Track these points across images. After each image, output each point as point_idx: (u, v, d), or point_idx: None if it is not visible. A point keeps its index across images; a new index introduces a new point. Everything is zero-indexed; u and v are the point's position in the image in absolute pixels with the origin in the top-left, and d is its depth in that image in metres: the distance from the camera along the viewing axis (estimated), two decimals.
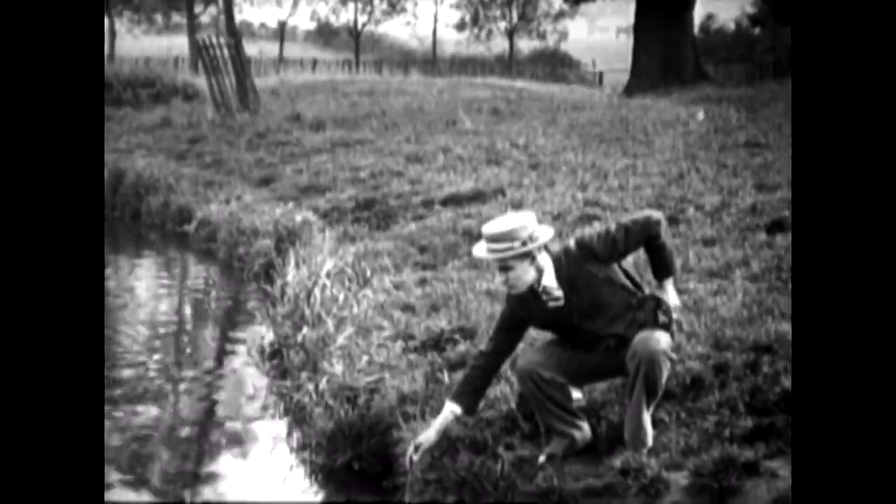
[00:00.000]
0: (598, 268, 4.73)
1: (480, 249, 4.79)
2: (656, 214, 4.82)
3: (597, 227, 5.21)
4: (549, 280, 4.74)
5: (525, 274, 4.73)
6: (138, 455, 6.11)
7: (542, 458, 4.86)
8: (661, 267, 4.83)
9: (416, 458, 4.89)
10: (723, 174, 10.65)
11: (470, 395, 4.93)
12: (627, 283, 4.83)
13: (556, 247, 4.84)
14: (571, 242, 4.83)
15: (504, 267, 4.72)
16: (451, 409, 4.91)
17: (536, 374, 4.79)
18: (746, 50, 34.89)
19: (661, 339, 4.67)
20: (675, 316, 4.85)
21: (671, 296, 4.82)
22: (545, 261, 4.75)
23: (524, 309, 4.85)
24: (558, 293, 4.75)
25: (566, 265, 4.76)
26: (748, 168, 10.87)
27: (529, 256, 4.70)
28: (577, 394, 5.01)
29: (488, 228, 4.73)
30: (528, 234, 4.69)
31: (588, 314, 4.76)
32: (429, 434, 4.91)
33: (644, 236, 4.72)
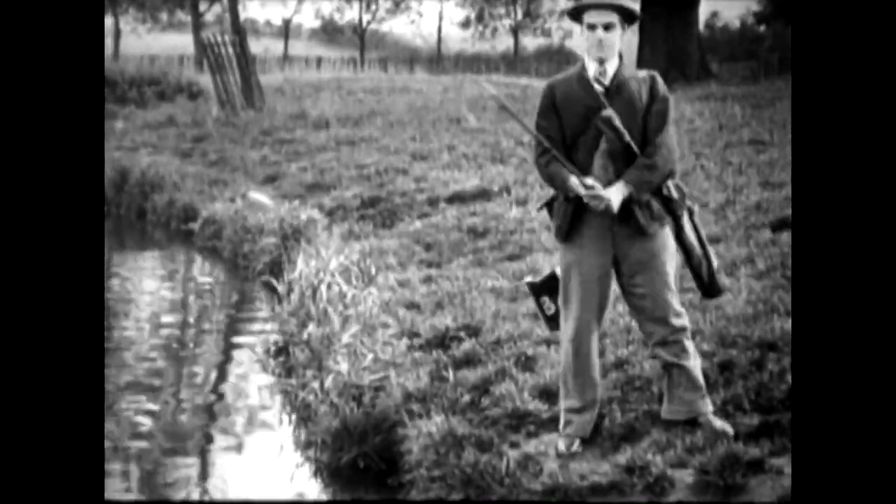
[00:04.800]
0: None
1: None
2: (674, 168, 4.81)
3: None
4: (615, 68, 4.74)
5: (616, 43, 4.72)
6: (139, 452, 6.11)
7: (560, 446, 4.91)
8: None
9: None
10: (728, 171, 10.65)
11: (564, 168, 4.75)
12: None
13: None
14: (657, 75, 4.86)
15: (609, 25, 4.67)
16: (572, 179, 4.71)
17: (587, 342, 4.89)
18: (751, 47, 34.86)
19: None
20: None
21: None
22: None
23: (563, 95, 4.74)
24: (620, 79, 4.73)
25: (640, 77, 4.80)
26: (753, 165, 10.86)
27: (627, 27, 4.72)
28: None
29: None
30: (635, 8, 4.76)
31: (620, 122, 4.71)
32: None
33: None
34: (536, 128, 4.84)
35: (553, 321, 5.16)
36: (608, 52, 4.72)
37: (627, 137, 4.68)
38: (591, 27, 4.70)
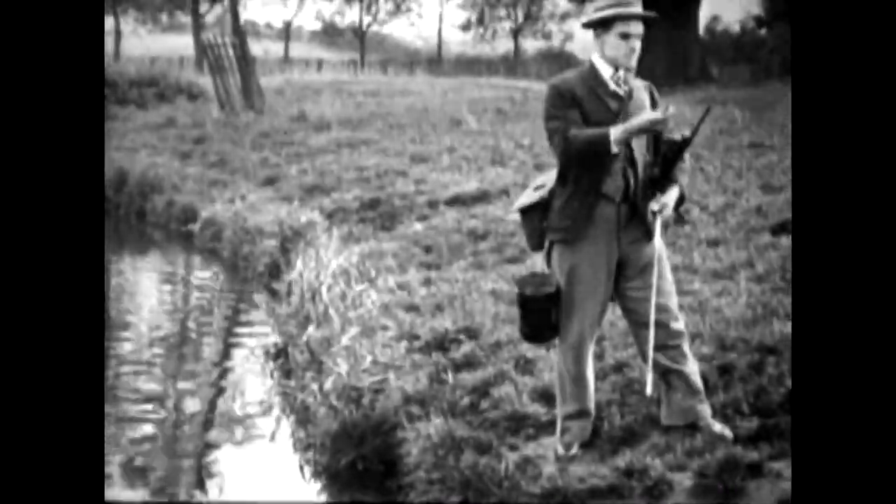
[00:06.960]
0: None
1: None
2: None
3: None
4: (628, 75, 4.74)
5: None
6: (140, 454, 6.11)
7: (559, 449, 4.89)
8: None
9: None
10: (728, 175, 10.65)
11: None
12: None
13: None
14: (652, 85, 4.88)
15: (640, 35, 4.68)
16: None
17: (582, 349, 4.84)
18: (752, 51, 34.85)
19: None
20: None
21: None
22: None
23: (584, 97, 4.64)
24: (632, 86, 4.71)
25: (641, 84, 4.79)
26: (753, 169, 10.86)
27: None
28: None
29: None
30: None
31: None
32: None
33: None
34: (556, 119, 4.63)
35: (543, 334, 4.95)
36: (636, 60, 4.70)
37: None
38: (625, 36, 4.63)
